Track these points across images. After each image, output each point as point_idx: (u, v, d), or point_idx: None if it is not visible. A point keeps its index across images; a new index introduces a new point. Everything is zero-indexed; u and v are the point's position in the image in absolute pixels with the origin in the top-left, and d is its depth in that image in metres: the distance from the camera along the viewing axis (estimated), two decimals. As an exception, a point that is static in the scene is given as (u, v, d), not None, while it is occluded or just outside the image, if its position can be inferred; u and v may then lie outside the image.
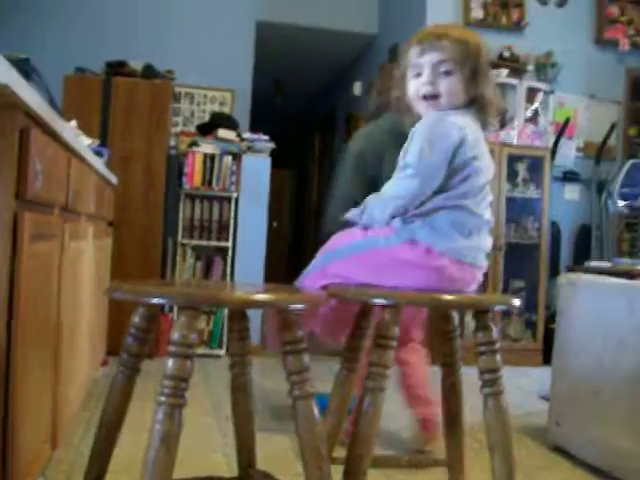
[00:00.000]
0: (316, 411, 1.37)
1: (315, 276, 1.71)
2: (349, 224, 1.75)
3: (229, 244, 4.70)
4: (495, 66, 4.90)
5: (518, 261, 4.99)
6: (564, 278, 2.91)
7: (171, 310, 4.41)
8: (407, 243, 1.59)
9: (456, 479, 1.77)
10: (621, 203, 4.70)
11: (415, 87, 1.69)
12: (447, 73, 1.65)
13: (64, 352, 2.07)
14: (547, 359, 4.07)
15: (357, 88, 7.24)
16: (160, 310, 4.05)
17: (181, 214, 4.69)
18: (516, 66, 5.25)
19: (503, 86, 4.94)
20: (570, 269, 4.71)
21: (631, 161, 4.82)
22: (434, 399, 2.50)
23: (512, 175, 5.03)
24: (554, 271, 5.09)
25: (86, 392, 2.83)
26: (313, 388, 1.38)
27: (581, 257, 5.20)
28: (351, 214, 1.75)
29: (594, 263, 4.36)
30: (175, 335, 1.24)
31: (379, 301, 1.53)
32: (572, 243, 5.50)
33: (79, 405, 2.59)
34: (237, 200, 4.74)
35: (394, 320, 1.50)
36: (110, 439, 1.46)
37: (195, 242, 4.70)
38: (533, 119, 5.24)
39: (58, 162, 1.84)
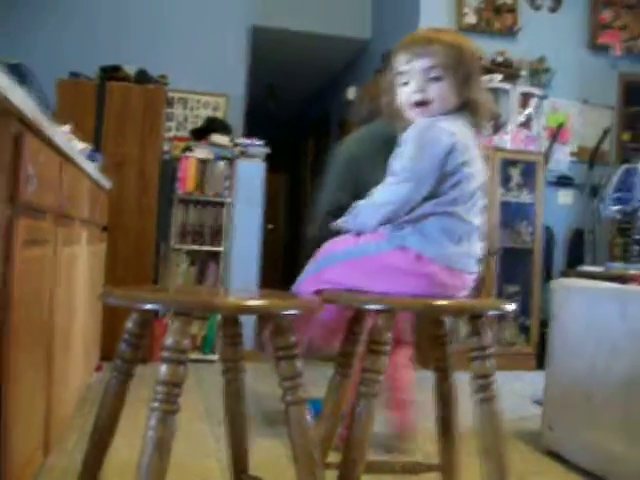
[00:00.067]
0: (309, 416, 1.37)
1: (310, 281, 1.72)
2: (340, 232, 1.75)
3: (222, 249, 4.70)
4: (488, 71, 4.92)
5: (512, 266, 5.00)
6: (557, 283, 2.92)
7: (165, 315, 4.41)
8: (398, 249, 1.59)
9: (450, 484, 1.77)
10: (614, 208, 4.71)
11: (405, 95, 1.69)
12: (437, 79, 1.64)
13: (57, 357, 2.07)
14: (541, 363, 4.08)
15: (351, 93, 7.24)
16: (154, 315, 4.04)
17: (174, 219, 4.70)
18: (509, 71, 5.26)
19: (496, 91, 4.95)
20: (564, 273, 4.72)
21: (624, 166, 4.83)
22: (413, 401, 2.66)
23: (506, 180, 5.03)
24: (547, 275, 5.10)
25: (80, 397, 2.82)
26: (306, 393, 1.38)
27: (574, 261, 5.22)
28: (342, 221, 1.75)
29: (587, 268, 4.37)
30: (168, 341, 1.24)
31: (373, 307, 1.53)
32: (565, 248, 5.51)
33: (72, 411, 2.58)
34: (230, 205, 4.74)
35: (387, 326, 1.51)
36: (103, 445, 1.46)
37: (188, 247, 4.71)
38: (526, 124, 5.25)
39: (51, 167, 1.83)
